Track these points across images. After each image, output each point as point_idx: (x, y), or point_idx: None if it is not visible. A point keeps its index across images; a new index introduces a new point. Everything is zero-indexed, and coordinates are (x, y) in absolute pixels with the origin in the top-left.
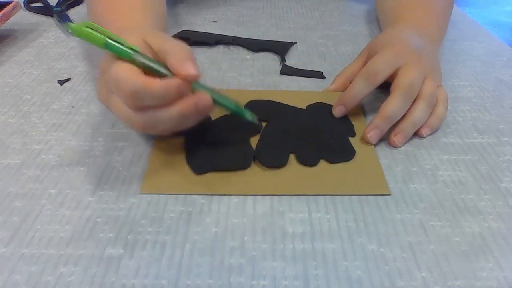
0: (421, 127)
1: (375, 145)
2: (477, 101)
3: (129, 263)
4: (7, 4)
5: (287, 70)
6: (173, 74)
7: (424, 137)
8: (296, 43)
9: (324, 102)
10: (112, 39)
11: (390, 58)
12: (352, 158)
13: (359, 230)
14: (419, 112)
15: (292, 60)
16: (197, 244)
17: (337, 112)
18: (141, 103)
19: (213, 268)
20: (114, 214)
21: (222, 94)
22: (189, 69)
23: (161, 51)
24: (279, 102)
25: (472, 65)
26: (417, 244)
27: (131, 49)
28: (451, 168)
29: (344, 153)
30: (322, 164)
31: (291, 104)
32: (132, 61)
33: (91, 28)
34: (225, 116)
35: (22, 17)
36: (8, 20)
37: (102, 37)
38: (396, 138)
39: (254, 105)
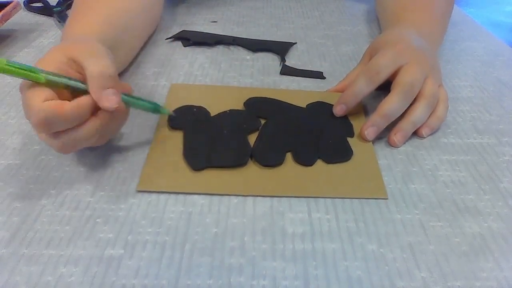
0: (421, 127)
1: (375, 144)
2: (477, 102)
3: (129, 263)
4: (7, 4)
5: (287, 70)
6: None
7: (424, 137)
8: (296, 43)
9: (325, 101)
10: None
11: (392, 57)
12: (349, 159)
13: (359, 230)
14: (419, 112)
15: (292, 60)
16: (197, 244)
17: (338, 110)
18: (54, 129)
19: (213, 268)
20: (114, 214)
21: (136, 96)
22: (110, 102)
23: (84, 68)
24: (279, 100)
25: (472, 65)
26: (417, 244)
27: (32, 70)
28: (451, 169)
29: (341, 154)
30: (320, 164)
31: (291, 103)
32: (38, 81)
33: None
34: (223, 113)
35: (22, 17)
36: (8, 20)
37: (2, 60)
38: (395, 137)
39: (254, 102)
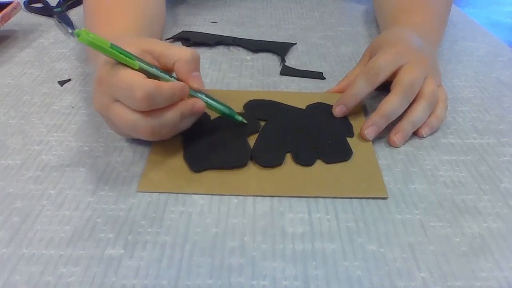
0: (420, 127)
1: (375, 144)
2: (477, 102)
3: (129, 263)
4: (8, 4)
5: (287, 71)
6: (174, 78)
7: (424, 137)
8: (296, 43)
9: (324, 102)
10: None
11: (392, 57)
12: (348, 159)
13: (359, 230)
14: (419, 112)
15: (292, 60)
16: (197, 245)
17: (338, 111)
18: (153, 106)
19: (213, 268)
20: (114, 215)
21: (214, 98)
22: (198, 83)
23: (168, 56)
24: (278, 102)
25: (472, 65)
26: (417, 244)
27: (130, 56)
28: (451, 169)
29: (341, 154)
30: (320, 164)
31: (290, 105)
32: (132, 67)
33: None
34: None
35: (22, 18)
36: (9, 21)
37: (107, 42)
38: (395, 137)
39: (253, 104)
